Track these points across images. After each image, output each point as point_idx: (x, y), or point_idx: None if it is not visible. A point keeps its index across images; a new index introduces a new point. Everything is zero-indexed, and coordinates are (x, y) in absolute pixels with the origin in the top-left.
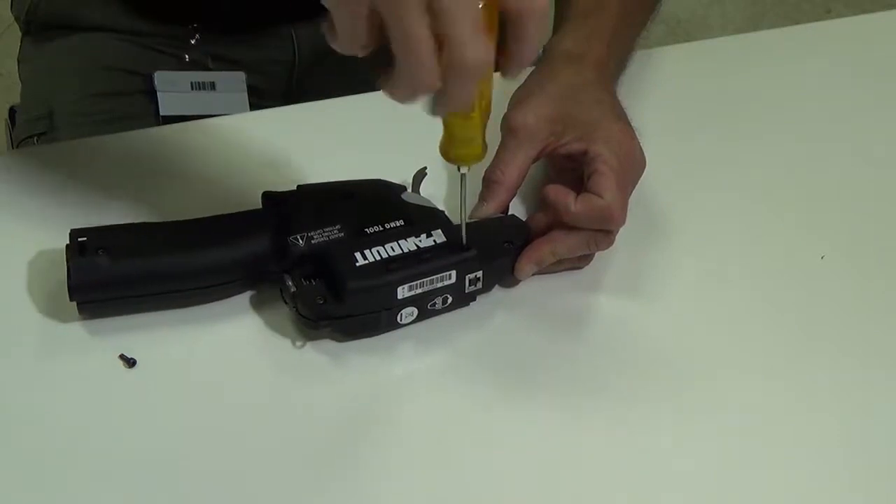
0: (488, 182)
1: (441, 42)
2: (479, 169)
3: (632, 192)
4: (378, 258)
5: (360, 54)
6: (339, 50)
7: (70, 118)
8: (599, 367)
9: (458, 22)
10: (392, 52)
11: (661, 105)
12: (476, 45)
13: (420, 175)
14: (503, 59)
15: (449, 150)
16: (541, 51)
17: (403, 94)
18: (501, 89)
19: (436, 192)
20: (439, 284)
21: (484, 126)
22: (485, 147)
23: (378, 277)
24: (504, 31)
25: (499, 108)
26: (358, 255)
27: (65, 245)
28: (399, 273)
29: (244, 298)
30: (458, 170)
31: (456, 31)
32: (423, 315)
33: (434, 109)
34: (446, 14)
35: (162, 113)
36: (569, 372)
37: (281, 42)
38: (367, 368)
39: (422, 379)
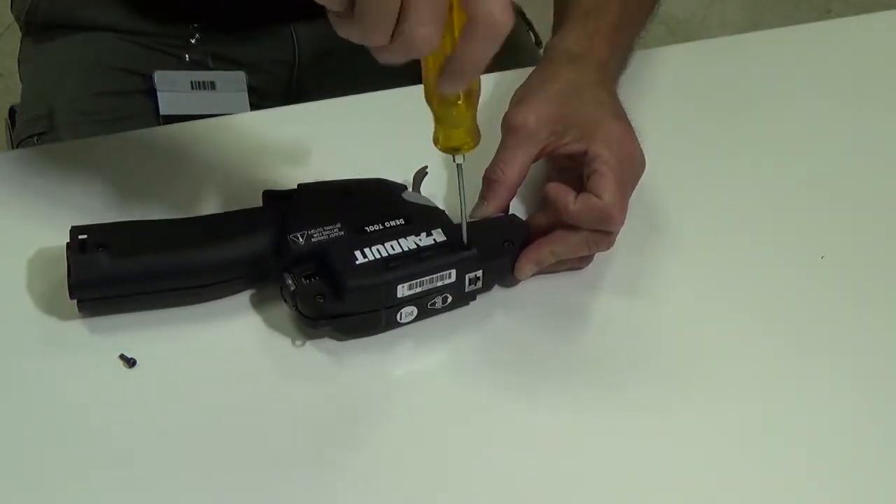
0: (488, 181)
1: (401, 12)
2: (480, 168)
3: (632, 192)
4: (378, 257)
5: (337, 9)
6: (320, 1)
7: (70, 118)
8: (599, 366)
9: (425, 4)
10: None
11: (661, 105)
12: (428, 30)
13: (420, 174)
14: (442, 66)
15: (441, 140)
16: (541, 51)
17: (347, 34)
18: (502, 89)
19: (436, 191)
20: (439, 283)
21: (474, 113)
22: (477, 135)
23: (378, 276)
24: None
25: (499, 107)
26: (358, 253)
27: (65, 243)
28: (399, 272)
29: (244, 297)
30: (454, 160)
31: (419, 11)
32: (423, 314)
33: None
34: None
35: (162, 112)
36: (568, 372)
37: (281, 42)
38: (367, 367)
39: (421, 378)
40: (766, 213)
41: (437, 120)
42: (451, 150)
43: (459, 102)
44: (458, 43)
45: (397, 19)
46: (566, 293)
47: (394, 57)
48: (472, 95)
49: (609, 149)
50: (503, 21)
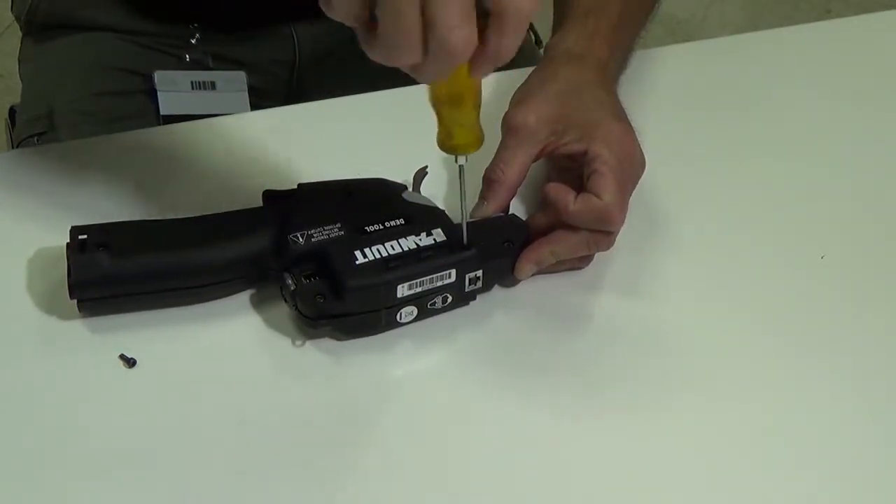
0: (489, 181)
1: (427, 21)
2: (480, 168)
3: (632, 192)
4: (378, 257)
5: (352, 23)
6: (333, 17)
7: (70, 118)
8: (599, 367)
9: (449, 5)
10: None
11: (661, 105)
12: (462, 31)
13: (420, 174)
14: (477, 53)
15: (445, 141)
16: (541, 50)
17: (380, 58)
18: (502, 89)
19: (436, 191)
20: (439, 283)
21: (477, 114)
22: (480, 136)
23: (378, 276)
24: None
25: (499, 107)
26: (358, 253)
27: (65, 243)
28: (399, 272)
29: (244, 297)
30: (456, 160)
31: (445, 15)
32: (423, 314)
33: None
34: None
35: (162, 112)
36: (568, 371)
37: (281, 42)
38: (367, 367)
39: (421, 378)
40: (766, 213)
41: (441, 120)
42: (454, 151)
43: (466, 104)
44: (488, 36)
45: (426, 30)
46: (566, 293)
47: (433, 71)
48: (476, 96)
49: (609, 149)
50: (531, 8)
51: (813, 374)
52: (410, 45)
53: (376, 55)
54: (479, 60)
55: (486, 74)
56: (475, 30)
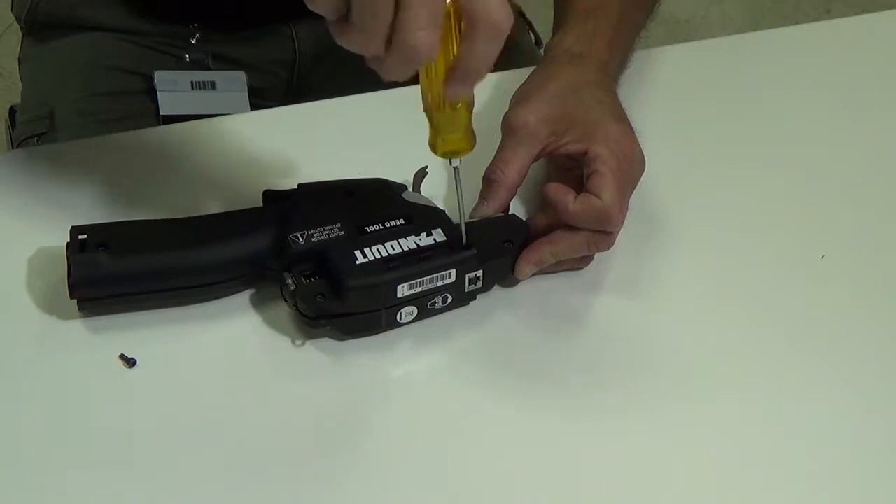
0: (488, 181)
1: (396, 20)
2: (479, 168)
3: (631, 193)
4: (378, 256)
5: (332, 16)
6: (315, 10)
7: (70, 118)
8: (599, 367)
9: (420, 8)
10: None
11: (661, 105)
12: (428, 36)
13: (421, 174)
14: (452, 65)
15: (437, 145)
16: (541, 50)
17: (347, 45)
18: (502, 89)
19: (436, 191)
20: (439, 283)
21: (469, 118)
22: (473, 139)
23: (378, 276)
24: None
25: (499, 107)
26: (358, 253)
27: (65, 243)
28: (399, 271)
29: (244, 297)
30: (450, 163)
31: (414, 16)
32: (423, 314)
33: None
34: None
35: (162, 113)
36: (568, 372)
37: (281, 41)
38: (367, 367)
39: (421, 378)
40: (766, 212)
41: (435, 126)
42: (451, 155)
43: (458, 107)
44: (461, 47)
45: (393, 28)
46: (566, 293)
47: (396, 68)
48: (468, 103)
49: (609, 149)
50: (502, 19)
51: (813, 374)
52: (377, 36)
53: (342, 39)
54: (453, 73)
55: (462, 93)
56: (437, 39)
